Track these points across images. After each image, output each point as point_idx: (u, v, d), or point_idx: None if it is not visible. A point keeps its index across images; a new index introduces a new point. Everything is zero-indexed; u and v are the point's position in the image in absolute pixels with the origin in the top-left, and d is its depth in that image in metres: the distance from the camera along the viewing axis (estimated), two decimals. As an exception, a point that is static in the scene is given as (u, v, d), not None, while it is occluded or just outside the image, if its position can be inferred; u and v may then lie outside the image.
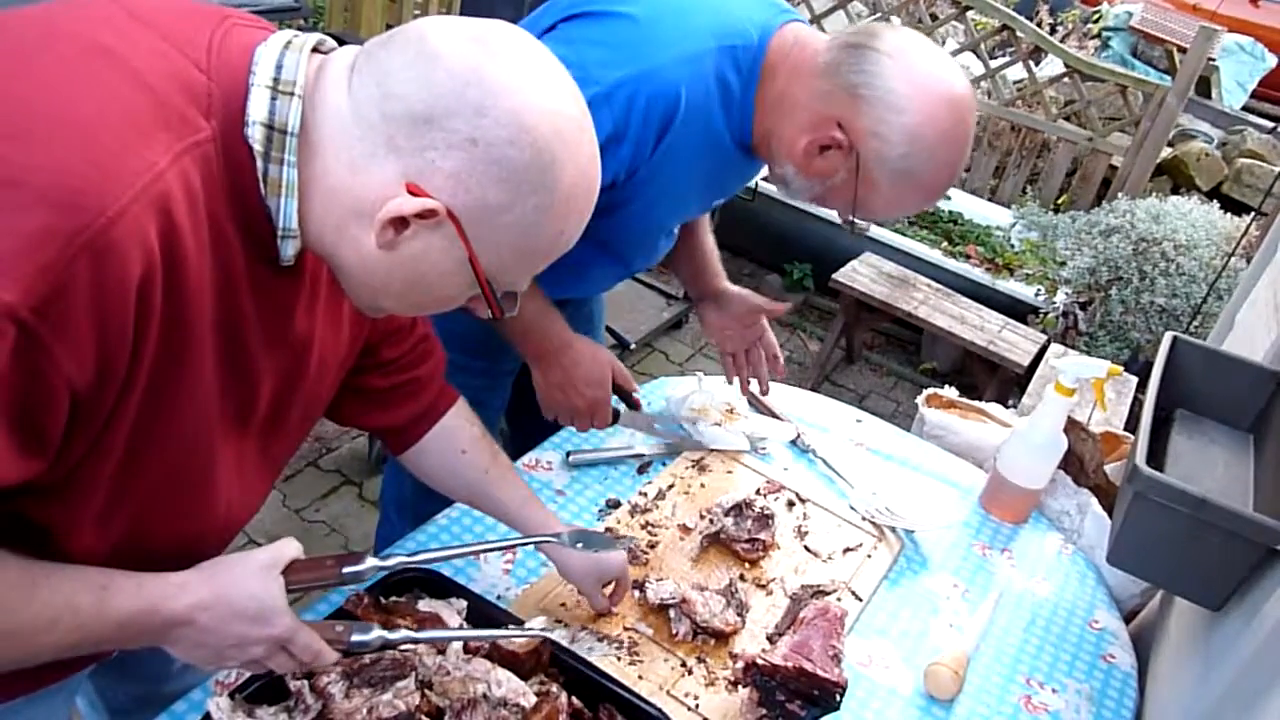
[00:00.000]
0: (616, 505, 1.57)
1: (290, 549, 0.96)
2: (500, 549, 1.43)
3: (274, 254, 0.84)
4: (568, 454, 1.66)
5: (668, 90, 1.32)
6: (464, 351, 1.63)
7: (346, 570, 1.02)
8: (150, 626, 0.85)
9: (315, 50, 0.82)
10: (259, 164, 0.78)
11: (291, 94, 0.78)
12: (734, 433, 1.77)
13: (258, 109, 0.77)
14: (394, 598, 1.21)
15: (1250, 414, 1.61)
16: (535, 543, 1.28)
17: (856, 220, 1.42)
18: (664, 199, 1.50)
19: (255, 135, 0.77)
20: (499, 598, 1.35)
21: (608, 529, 1.51)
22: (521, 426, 1.95)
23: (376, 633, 1.01)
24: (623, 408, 1.70)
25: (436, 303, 0.89)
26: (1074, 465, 1.87)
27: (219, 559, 0.92)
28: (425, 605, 1.19)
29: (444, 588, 1.24)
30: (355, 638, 1.00)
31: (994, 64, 4.74)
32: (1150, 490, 1.28)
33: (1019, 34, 4.59)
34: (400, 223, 0.78)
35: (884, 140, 1.29)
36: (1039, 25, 5.71)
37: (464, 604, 1.21)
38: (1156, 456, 1.49)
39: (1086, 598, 1.63)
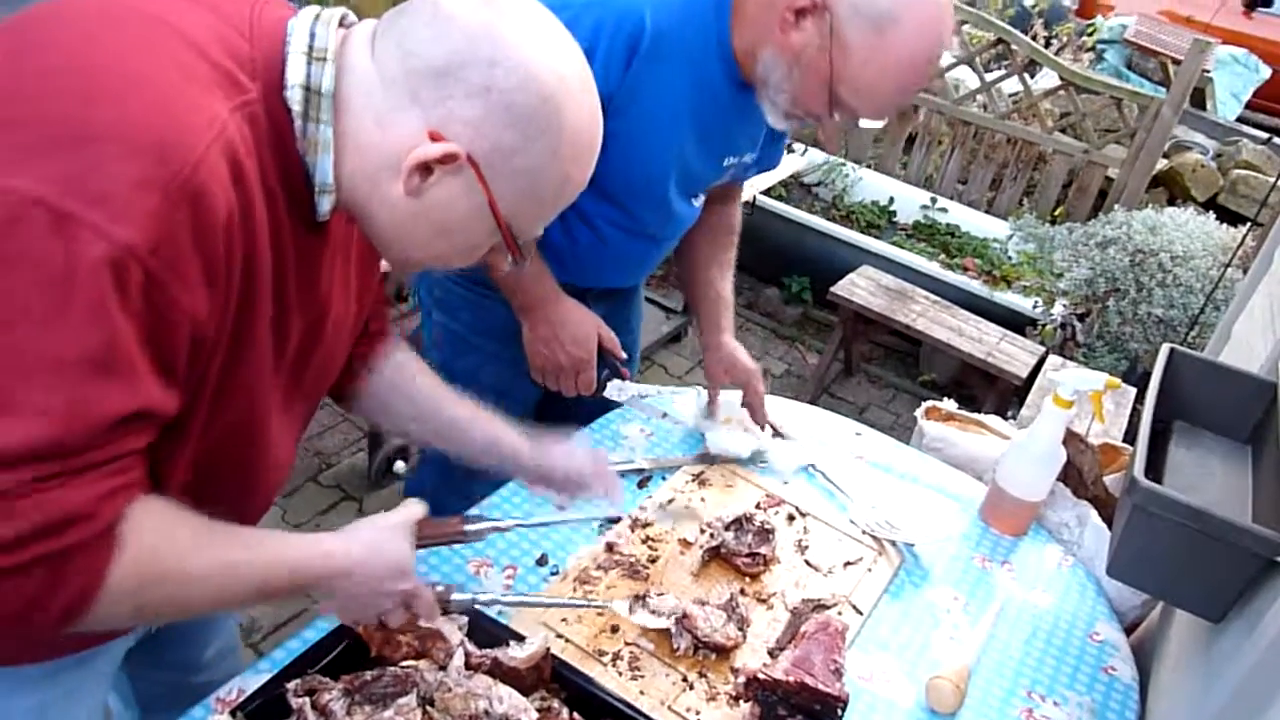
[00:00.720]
0: (617, 520, 1.57)
1: (419, 509, 1.10)
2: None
3: (309, 211, 0.91)
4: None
5: (632, 13, 1.38)
6: (497, 340, 1.73)
7: (468, 529, 1.19)
8: (320, 573, 0.98)
9: (340, 24, 0.90)
10: (297, 123, 0.85)
11: (324, 59, 0.85)
12: (740, 440, 1.77)
13: (295, 73, 0.84)
14: (395, 614, 1.21)
15: (1248, 425, 1.62)
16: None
17: (841, 115, 1.40)
18: (649, 133, 1.51)
19: (294, 97, 0.84)
20: (500, 612, 1.35)
21: (608, 545, 1.51)
22: (549, 421, 1.96)
23: (469, 595, 1.19)
24: (611, 383, 1.70)
25: (460, 252, 0.96)
26: (1073, 477, 1.88)
27: (359, 523, 1.05)
28: (426, 622, 1.19)
29: (444, 604, 1.24)
30: (455, 597, 1.17)
31: (990, 77, 4.76)
32: (1149, 502, 1.28)
33: (1014, 47, 4.61)
34: (425, 170, 0.86)
35: None
36: (1034, 38, 5.74)
37: (465, 620, 1.21)
38: (1155, 468, 1.50)
39: (1087, 610, 1.63)
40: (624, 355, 1.73)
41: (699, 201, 1.76)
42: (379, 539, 1.04)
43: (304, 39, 0.86)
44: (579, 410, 1.81)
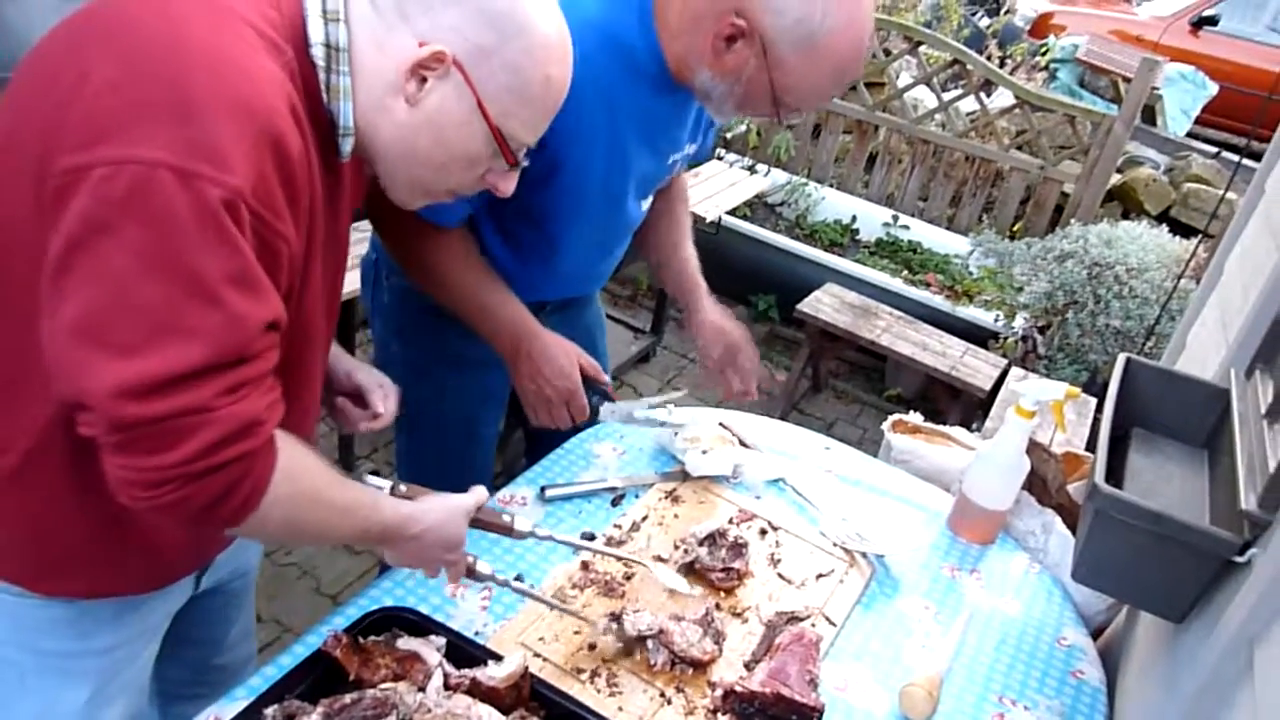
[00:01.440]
0: (592, 538, 1.58)
1: (482, 496, 1.26)
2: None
3: (334, 154, 1.03)
4: (542, 489, 1.67)
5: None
6: (457, 367, 1.77)
7: (517, 528, 1.33)
8: (399, 534, 1.16)
9: None
10: (322, 76, 0.98)
11: (338, 19, 0.98)
12: (720, 460, 1.79)
13: (316, 32, 0.97)
14: (372, 637, 1.21)
15: (1204, 430, 1.66)
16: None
17: (787, 113, 1.46)
18: (597, 152, 1.53)
19: (318, 54, 0.97)
20: (477, 634, 1.36)
21: (584, 564, 1.52)
22: (539, 436, 1.98)
23: (490, 570, 1.33)
24: (603, 406, 1.72)
25: (461, 164, 1.07)
26: (1037, 486, 1.91)
27: (433, 498, 1.22)
28: (404, 644, 1.20)
29: (422, 626, 1.25)
30: (479, 569, 1.31)
31: (947, 96, 4.86)
32: (1109, 507, 1.31)
33: (970, 67, 4.71)
34: (419, 77, 0.99)
35: (778, 13, 1.34)
36: (989, 59, 5.86)
37: (443, 641, 1.21)
38: (1115, 474, 1.53)
39: (1054, 615, 1.66)
40: (607, 379, 1.74)
41: (648, 202, 1.79)
42: (446, 518, 1.20)
43: (317, 5, 0.97)
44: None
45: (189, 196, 0.82)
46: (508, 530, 1.33)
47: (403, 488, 1.24)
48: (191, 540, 1.20)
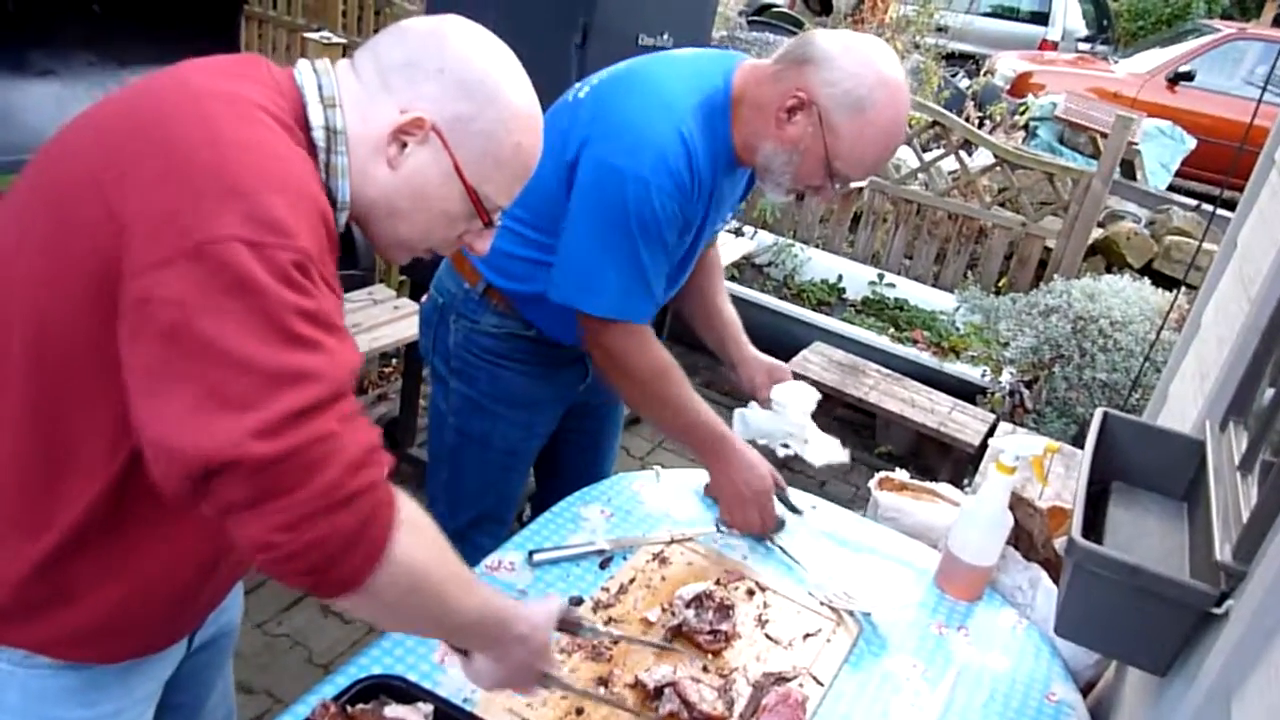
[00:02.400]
0: (580, 602, 1.59)
1: (561, 603, 1.27)
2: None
3: (335, 227, 1.07)
4: (530, 553, 1.68)
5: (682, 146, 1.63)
6: (510, 405, 1.95)
7: (584, 626, 1.36)
8: (510, 629, 1.16)
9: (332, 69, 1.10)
10: (322, 156, 1.04)
11: (335, 105, 1.05)
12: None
13: (316, 117, 1.04)
14: (360, 705, 1.22)
15: (1182, 483, 1.69)
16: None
17: (838, 182, 1.65)
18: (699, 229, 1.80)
19: (319, 137, 1.04)
20: (465, 700, 1.36)
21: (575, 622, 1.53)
22: (548, 487, 2.21)
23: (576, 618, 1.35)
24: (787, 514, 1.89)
25: (441, 221, 1.12)
26: (1024, 541, 1.93)
27: (529, 605, 1.22)
28: (391, 711, 1.20)
29: (410, 693, 1.25)
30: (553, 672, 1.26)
31: (928, 157, 4.96)
32: (1087, 561, 1.33)
33: (949, 128, 4.82)
34: (400, 142, 1.06)
35: (833, 84, 1.57)
36: (968, 119, 5.99)
37: (430, 708, 1.22)
38: (1096, 528, 1.56)
39: (1043, 671, 1.67)
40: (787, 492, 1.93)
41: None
42: (546, 620, 1.22)
43: (315, 91, 1.05)
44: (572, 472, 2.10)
45: (264, 263, 0.88)
46: (575, 627, 1.34)
47: None
48: (207, 597, 1.22)
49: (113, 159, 0.93)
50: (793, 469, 4.08)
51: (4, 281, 0.99)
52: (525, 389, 1.93)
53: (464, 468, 2.03)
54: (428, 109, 1.05)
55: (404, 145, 1.06)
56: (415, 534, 0.99)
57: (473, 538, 1.93)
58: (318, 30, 5.01)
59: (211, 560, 1.14)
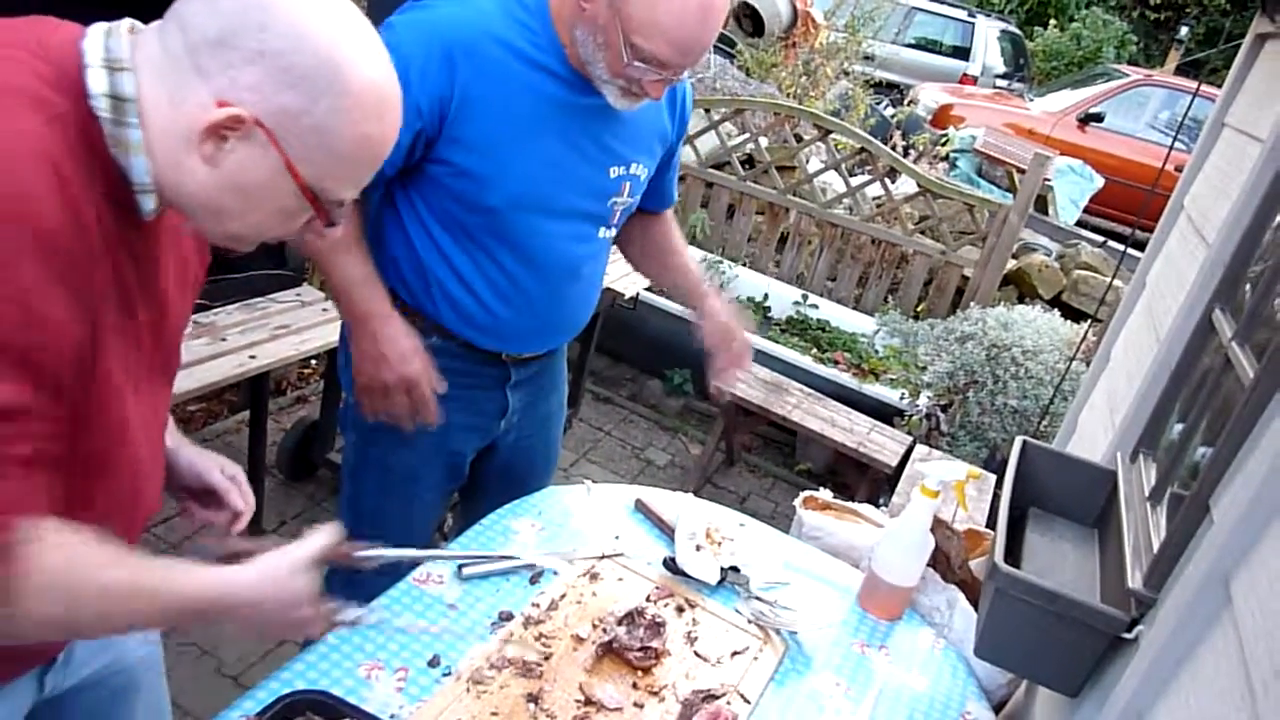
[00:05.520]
0: (510, 618, 1.58)
1: (332, 536, 1.15)
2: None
3: (134, 212, 0.95)
4: (459, 567, 1.67)
5: (438, 23, 1.56)
6: (411, 431, 1.78)
7: (357, 554, 1.26)
8: (215, 613, 1.04)
9: (129, 31, 0.95)
10: (107, 129, 0.91)
11: (124, 69, 0.91)
12: (710, 563, 1.79)
13: (97, 83, 0.90)
14: (286, 722, 1.19)
15: (1093, 511, 1.76)
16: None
17: (645, 61, 1.53)
18: (508, 139, 1.63)
19: (100, 105, 0.90)
20: (392, 716, 1.34)
21: (502, 643, 1.52)
22: (471, 510, 2.08)
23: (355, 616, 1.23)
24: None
25: (275, 218, 0.99)
26: (941, 562, 1.99)
27: (267, 556, 1.09)
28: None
29: (337, 710, 1.23)
30: (345, 616, 1.22)
31: (854, 182, 5.08)
32: (1008, 586, 1.38)
33: (875, 155, 4.95)
34: (219, 138, 0.91)
35: None
36: (893, 147, 6.16)
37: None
38: (1014, 553, 1.61)
39: (959, 690, 1.72)
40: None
41: (609, 232, 1.85)
42: (273, 587, 1.08)
43: (99, 53, 0.91)
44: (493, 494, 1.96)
45: None
46: (350, 560, 1.25)
47: (247, 544, 1.15)
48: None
49: None
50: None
51: None
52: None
53: (363, 490, 1.94)
54: (248, 100, 0.89)
55: (223, 140, 0.91)
56: (44, 590, 0.90)
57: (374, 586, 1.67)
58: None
59: None
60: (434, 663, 1.47)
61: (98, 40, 0.92)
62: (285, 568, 1.09)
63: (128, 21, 0.95)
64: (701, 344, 2.00)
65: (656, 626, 1.56)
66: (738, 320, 2.01)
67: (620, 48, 1.52)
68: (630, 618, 1.55)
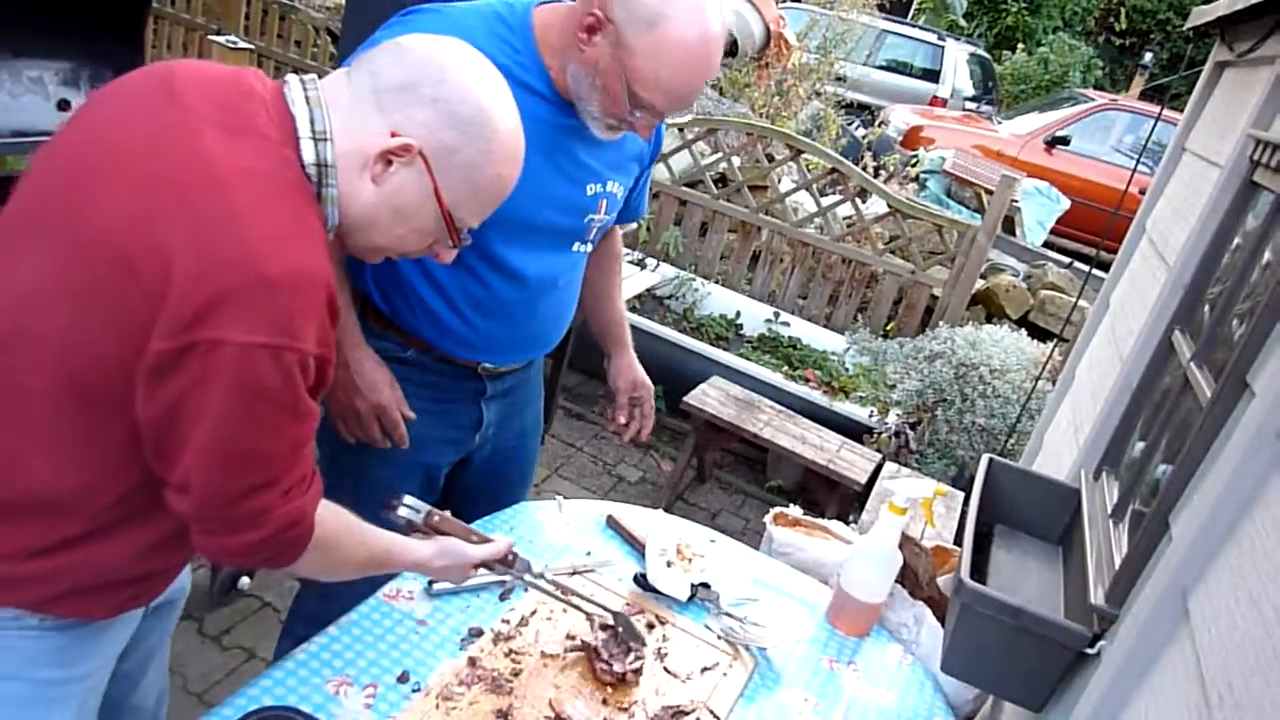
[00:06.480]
0: (479, 634, 1.58)
1: (501, 549, 1.52)
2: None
3: None
4: (429, 583, 1.66)
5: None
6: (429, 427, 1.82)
7: (517, 570, 1.55)
8: (420, 564, 1.43)
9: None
10: (315, 189, 1.11)
11: (327, 139, 1.11)
12: (680, 579, 1.80)
13: (309, 154, 1.10)
14: (254, 739, 1.19)
15: (1058, 528, 1.79)
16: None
17: (641, 110, 1.56)
18: None
19: (311, 172, 1.11)
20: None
21: (470, 660, 1.52)
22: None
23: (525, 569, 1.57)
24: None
25: (415, 236, 1.20)
26: (909, 579, 2.01)
27: (450, 542, 1.46)
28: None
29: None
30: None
31: (825, 202, 5.13)
32: (974, 602, 1.40)
33: (847, 175, 5.00)
34: (386, 161, 1.11)
35: (623, 3, 1.49)
36: (864, 168, 6.22)
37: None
38: (980, 569, 1.64)
39: (926, 706, 1.73)
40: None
41: (584, 248, 1.86)
42: (458, 556, 1.45)
43: (307, 125, 1.10)
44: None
45: (276, 367, 1.01)
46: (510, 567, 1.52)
47: (436, 516, 1.46)
48: (182, 561, 1.33)
49: (155, 244, 0.99)
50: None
51: (28, 310, 1.05)
52: (411, 426, 1.78)
53: (338, 502, 1.90)
54: (417, 135, 1.10)
55: (389, 164, 1.11)
56: (317, 552, 1.20)
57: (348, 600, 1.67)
58: (218, 32, 4.89)
59: None
60: (403, 679, 1.46)
61: (303, 111, 1.11)
62: (459, 559, 1.44)
63: (312, 79, 1.15)
64: (614, 383, 2.20)
65: (629, 649, 1.56)
66: (645, 378, 2.22)
67: (621, 95, 1.55)
68: (614, 631, 1.56)
